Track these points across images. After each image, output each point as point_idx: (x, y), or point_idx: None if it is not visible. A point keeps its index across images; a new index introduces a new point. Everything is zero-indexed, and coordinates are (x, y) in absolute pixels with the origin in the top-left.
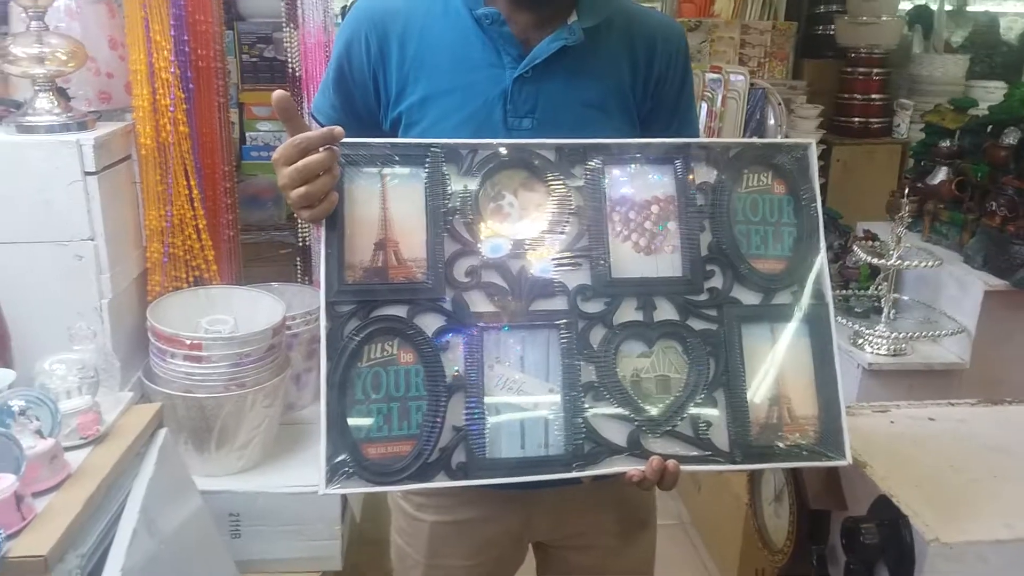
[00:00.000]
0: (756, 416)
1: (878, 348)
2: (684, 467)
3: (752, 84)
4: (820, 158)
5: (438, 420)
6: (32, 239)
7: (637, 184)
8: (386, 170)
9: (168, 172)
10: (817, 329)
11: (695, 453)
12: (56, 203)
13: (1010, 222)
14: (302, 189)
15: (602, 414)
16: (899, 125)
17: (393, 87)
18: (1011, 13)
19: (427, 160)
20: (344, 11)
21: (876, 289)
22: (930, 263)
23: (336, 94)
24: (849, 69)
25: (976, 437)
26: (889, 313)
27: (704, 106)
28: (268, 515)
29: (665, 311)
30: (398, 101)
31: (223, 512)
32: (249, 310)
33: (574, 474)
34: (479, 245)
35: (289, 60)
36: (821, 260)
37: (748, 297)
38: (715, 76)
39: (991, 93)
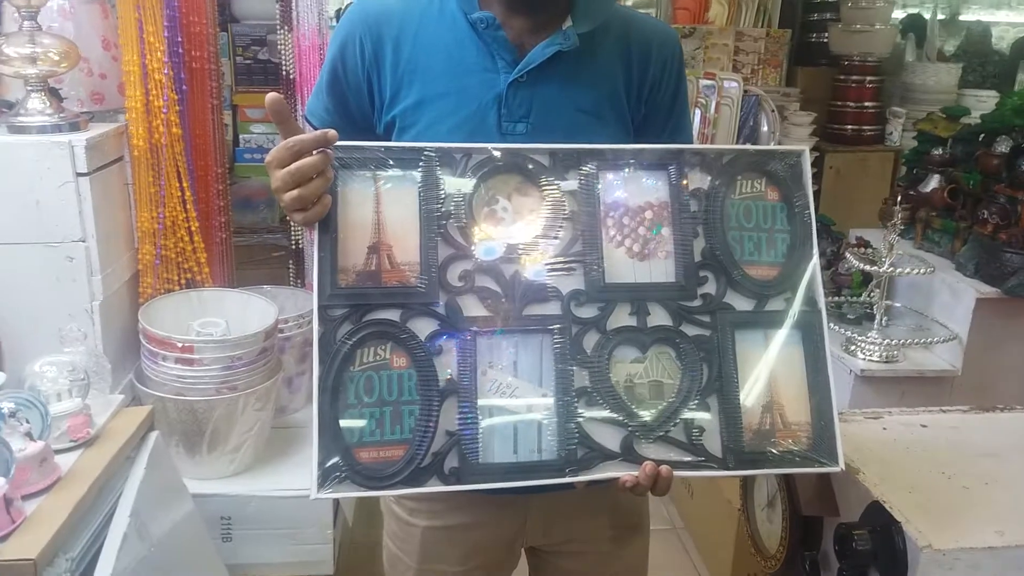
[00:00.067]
0: (749, 422)
1: (870, 355)
2: (677, 472)
3: (746, 91)
4: (813, 165)
5: (431, 424)
6: (23, 240)
7: (631, 189)
8: (380, 173)
9: (161, 174)
10: (810, 335)
11: (688, 459)
12: (47, 204)
13: (1002, 230)
14: (295, 192)
15: (595, 419)
16: (892, 133)
17: (387, 90)
18: (1003, 23)
19: (421, 164)
20: (339, 14)
21: (868, 296)
22: (922, 270)
23: (330, 97)
24: (842, 77)
25: (968, 444)
26: (881, 320)
27: (698, 112)
28: (260, 519)
29: (658, 317)
30: (392, 104)
31: (214, 516)
32: (241, 313)
33: (567, 479)
34: (473, 249)
35: (283, 62)
36: (814, 267)
37: (741, 303)
38: (709, 83)
39: (983, 102)
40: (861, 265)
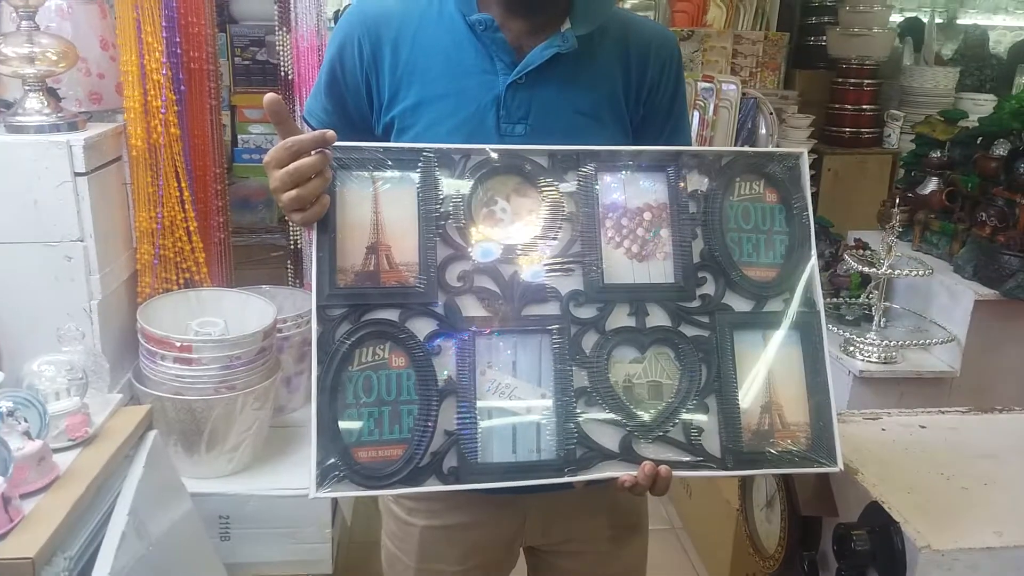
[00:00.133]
0: (748, 422)
1: (869, 356)
2: (676, 472)
3: (744, 94)
4: (811, 167)
5: (429, 424)
6: (21, 240)
7: (629, 191)
8: (378, 174)
9: (159, 174)
10: (808, 336)
11: (687, 459)
12: (45, 204)
13: (1000, 232)
14: (293, 192)
15: (594, 419)
16: (890, 136)
17: (386, 91)
18: (1000, 27)
19: (419, 164)
20: (337, 15)
21: (867, 297)
22: (920, 272)
23: (328, 98)
24: (840, 80)
25: (967, 445)
26: (880, 321)
27: (696, 115)
28: (258, 518)
29: (657, 317)
30: (391, 106)
31: (213, 515)
32: (240, 313)
33: (566, 479)
34: (471, 250)
35: (281, 63)
36: (812, 268)
37: (740, 304)
38: (707, 85)
39: (980, 105)
40: (859, 267)
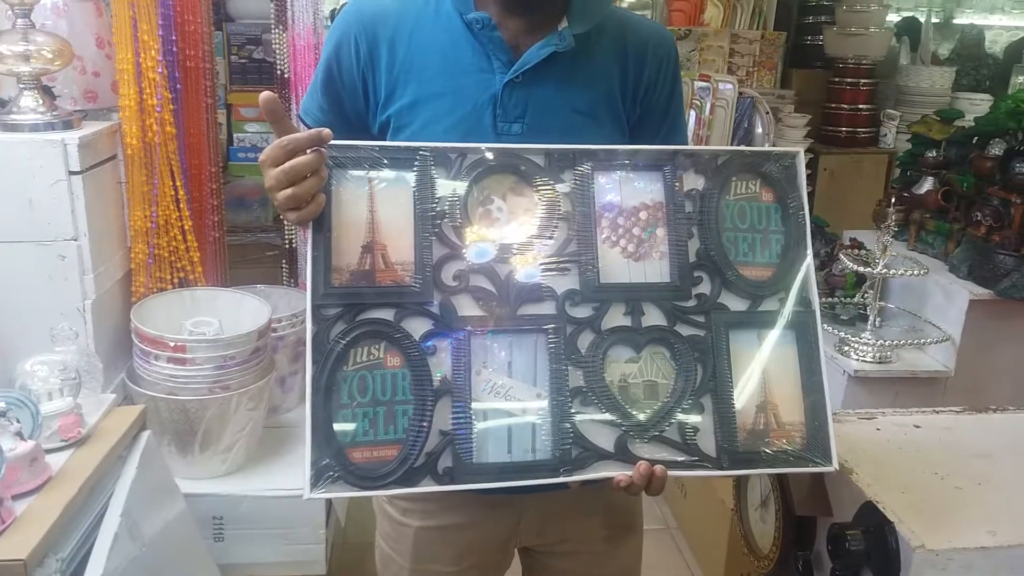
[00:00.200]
0: (743, 422)
1: (864, 355)
2: (671, 472)
3: (740, 93)
4: (807, 167)
5: (424, 424)
6: (15, 238)
7: (626, 190)
8: (374, 173)
9: (154, 172)
10: (804, 336)
11: (682, 458)
12: (40, 202)
13: (995, 232)
14: (289, 191)
15: (590, 419)
16: (886, 135)
17: (382, 90)
18: (996, 27)
19: (416, 163)
20: (334, 13)
21: (862, 297)
22: (916, 272)
23: (324, 96)
24: (837, 79)
25: (961, 445)
26: (875, 321)
27: (693, 114)
28: (252, 519)
29: (653, 317)
30: (387, 104)
31: (207, 515)
32: (234, 312)
33: (561, 479)
34: (467, 249)
35: (278, 62)
36: (808, 267)
37: (736, 303)
38: (704, 84)
39: (976, 105)
40: (855, 266)
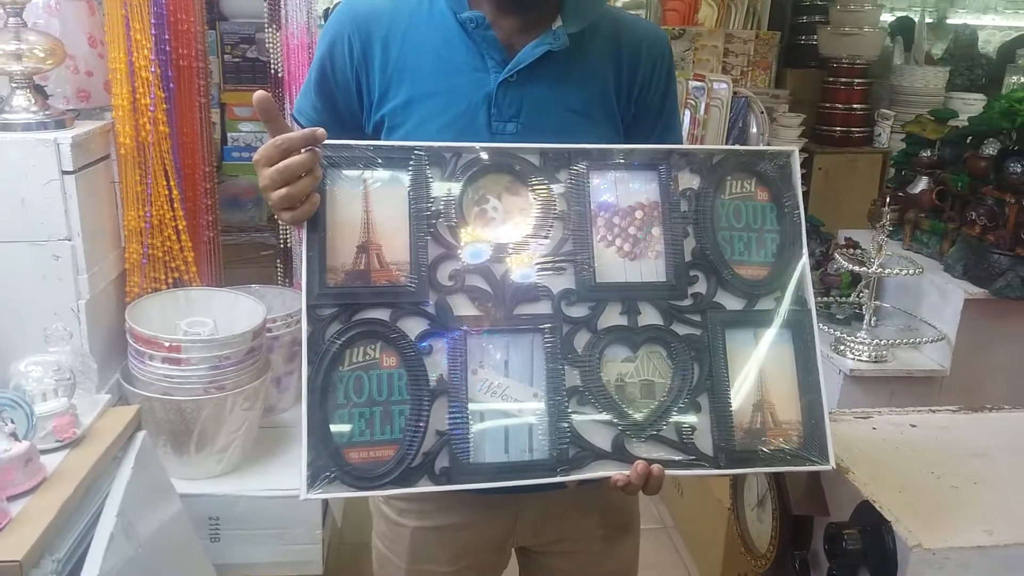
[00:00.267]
0: (740, 421)
1: (859, 355)
2: (668, 471)
3: (735, 92)
4: (802, 166)
5: (421, 424)
6: (8, 238)
7: (621, 190)
8: (368, 172)
9: (148, 172)
10: (800, 335)
11: (679, 457)
12: (33, 202)
13: (990, 231)
14: (283, 191)
15: (587, 419)
16: (880, 135)
17: (376, 89)
18: (990, 26)
19: (410, 163)
20: (327, 13)
21: (857, 296)
22: (911, 271)
23: (318, 96)
24: (831, 79)
25: (957, 444)
26: (870, 320)
27: (687, 114)
28: (248, 519)
29: (649, 316)
30: (381, 104)
31: (202, 516)
32: (229, 312)
33: (558, 479)
34: (463, 249)
35: (271, 61)
36: (803, 266)
37: (732, 303)
38: (698, 84)
39: (970, 105)
40: (850, 266)
